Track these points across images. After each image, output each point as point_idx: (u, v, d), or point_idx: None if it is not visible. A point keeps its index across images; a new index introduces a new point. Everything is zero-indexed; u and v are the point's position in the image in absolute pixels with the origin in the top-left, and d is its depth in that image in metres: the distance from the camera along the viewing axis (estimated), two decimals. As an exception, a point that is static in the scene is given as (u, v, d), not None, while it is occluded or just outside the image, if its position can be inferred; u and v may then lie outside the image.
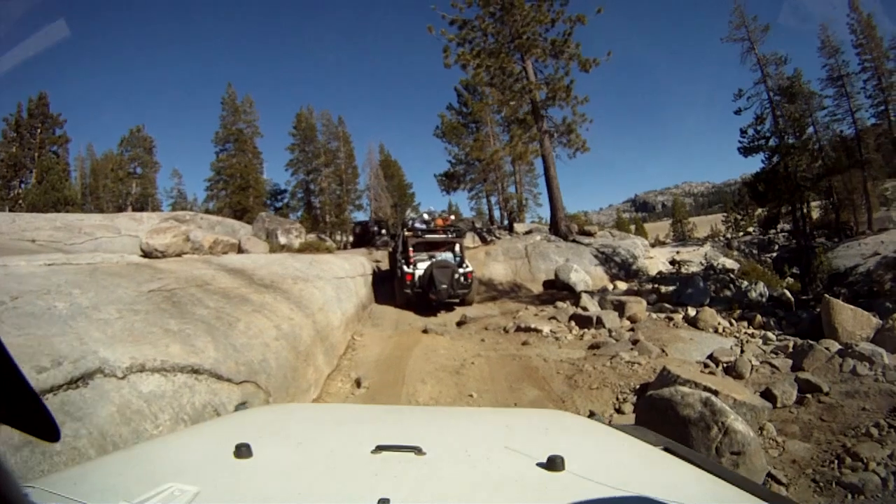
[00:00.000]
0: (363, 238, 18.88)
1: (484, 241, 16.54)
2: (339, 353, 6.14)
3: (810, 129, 16.76)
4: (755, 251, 23.82)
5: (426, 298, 9.40)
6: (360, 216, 32.98)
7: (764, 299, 9.78)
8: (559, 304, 9.32)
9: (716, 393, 3.86)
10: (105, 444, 2.62)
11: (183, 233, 8.04)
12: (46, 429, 0.57)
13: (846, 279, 13.12)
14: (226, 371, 3.64)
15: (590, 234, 16.92)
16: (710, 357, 5.80)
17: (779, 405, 4.23)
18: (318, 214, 31.59)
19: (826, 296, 7.67)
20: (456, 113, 27.01)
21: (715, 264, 16.68)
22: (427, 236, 10.44)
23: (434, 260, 9.76)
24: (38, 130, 25.65)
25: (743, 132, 12.94)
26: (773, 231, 17.50)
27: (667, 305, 8.81)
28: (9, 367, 0.50)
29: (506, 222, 22.88)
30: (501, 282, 12.78)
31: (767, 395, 4.36)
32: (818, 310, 9.31)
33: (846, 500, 2.84)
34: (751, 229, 33.70)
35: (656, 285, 11.70)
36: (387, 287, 10.88)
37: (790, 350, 5.70)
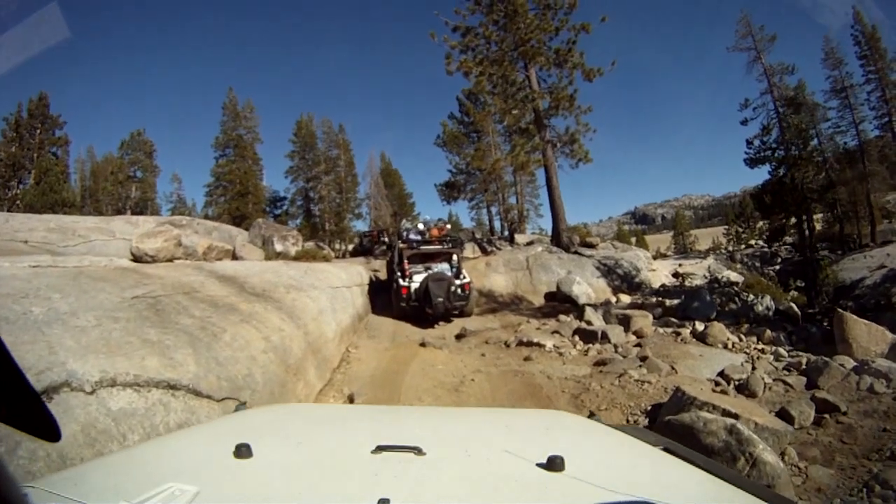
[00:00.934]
0: (369, 250, 18.61)
1: (484, 251, 16.30)
2: (332, 367, 5.84)
3: (814, 141, 16.66)
4: (758, 264, 23.55)
5: (423, 312, 9.21)
6: (360, 225, 32.89)
7: (770, 313, 9.57)
8: (562, 317, 9.04)
9: (736, 417, 3.63)
10: (63, 468, 2.34)
11: (175, 237, 7.76)
12: (46, 429, 0.58)
13: (852, 292, 12.94)
14: (206, 387, 3.35)
15: (592, 246, 16.68)
16: (721, 374, 5.56)
17: (796, 426, 4.01)
18: (318, 222, 31.41)
19: (839, 310, 7.46)
20: (457, 122, 27.02)
21: (719, 277, 16.43)
22: (423, 248, 10.23)
23: (430, 273, 9.56)
24: (38, 131, 25.58)
25: (749, 143, 12.81)
26: (775, 244, 17.27)
27: (673, 319, 8.55)
28: (9, 368, 0.51)
29: (506, 233, 22.67)
30: (502, 293, 12.51)
31: (784, 415, 4.15)
32: (825, 323, 9.13)
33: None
34: (752, 242, 33.59)
35: (660, 299, 11.44)
36: (384, 297, 10.65)
37: (803, 367, 5.47)
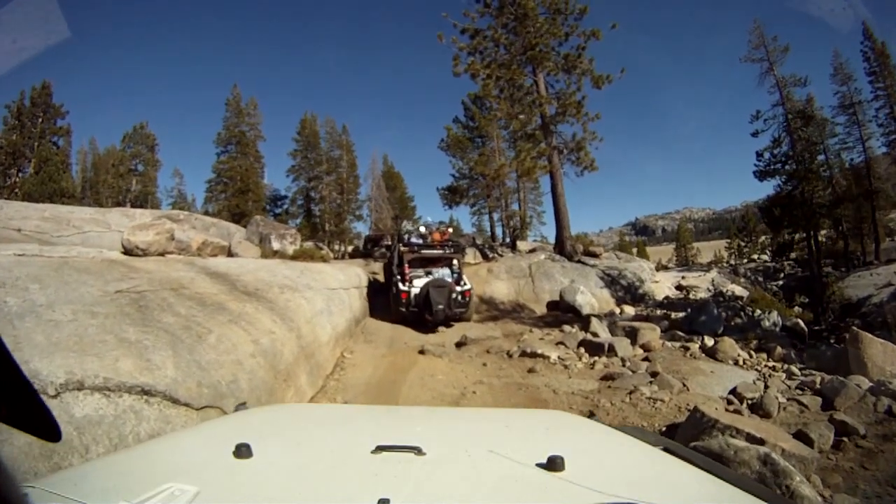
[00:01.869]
0: (370, 252, 18.31)
1: (486, 257, 16.03)
2: (325, 373, 5.53)
3: (821, 157, 16.50)
4: (761, 278, 23.29)
5: (422, 318, 8.97)
6: (360, 227, 32.58)
7: (777, 328, 9.33)
8: (566, 327, 8.75)
9: (762, 442, 3.38)
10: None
11: (167, 230, 7.49)
12: (47, 429, 0.58)
13: (859, 310, 12.73)
14: (184, 393, 3.05)
15: (595, 256, 16.43)
16: (733, 392, 5.32)
17: (815, 450, 3.78)
18: (318, 223, 31.09)
19: (854, 328, 7.31)
20: (462, 126, 26.82)
21: (724, 291, 16.17)
22: (424, 252, 9.98)
23: (431, 278, 9.35)
24: (40, 120, 25.32)
25: (759, 155, 12.59)
26: (782, 259, 17.04)
27: (680, 333, 8.29)
28: (9, 368, 0.51)
29: (507, 239, 22.41)
30: (503, 301, 12.23)
31: (802, 437, 3.92)
32: (832, 341, 8.89)
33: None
34: (755, 256, 33.35)
35: (666, 311, 11.20)
36: (382, 300, 10.39)
37: (817, 386, 5.28)
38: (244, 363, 3.79)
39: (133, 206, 25.80)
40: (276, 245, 10.82)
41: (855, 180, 20.91)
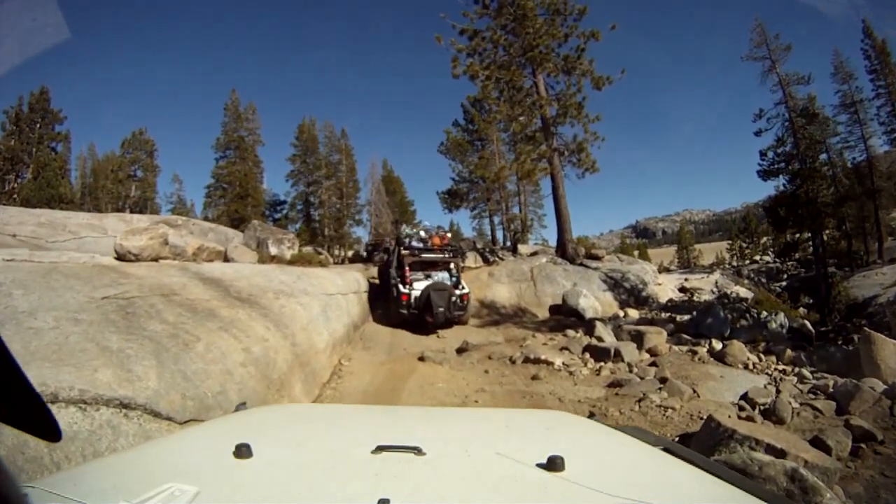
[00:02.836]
0: (369, 256, 18.17)
1: (486, 261, 15.84)
2: (322, 381, 5.34)
3: (823, 156, 16.35)
4: (764, 280, 23.10)
5: (422, 320, 9.10)
6: (360, 231, 32.38)
7: (784, 330, 9.11)
8: (569, 332, 8.56)
9: (783, 453, 3.22)
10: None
11: (161, 235, 7.32)
12: (47, 429, 0.58)
13: (865, 310, 12.51)
14: (166, 406, 2.86)
15: (597, 258, 16.22)
16: (745, 397, 5.13)
17: (833, 457, 3.63)
18: (317, 227, 30.92)
19: (866, 329, 7.11)
20: (462, 130, 26.68)
21: (728, 293, 15.96)
22: (424, 255, 10.15)
23: (431, 282, 9.52)
24: (38, 125, 25.24)
25: (763, 154, 12.42)
26: (787, 259, 16.85)
27: (686, 336, 8.09)
28: (10, 368, 0.50)
29: (508, 243, 22.21)
30: (505, 305, 12.04)
31: (819, 444, 3.76)
32: (840, 342, 8.69)
33: None
34: (757, 257, 33.16)
35: (670, 314, 10.99)
36: (380, 304, 10.36)
37: (830, 390, 5.12)
38: (234, 373, 3.61)
39: (132, 211, 25.65)
40: (273, 250, 10.64)
41: (857, 179, 20.75)
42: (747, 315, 10.20)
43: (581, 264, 14.84)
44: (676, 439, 3.95)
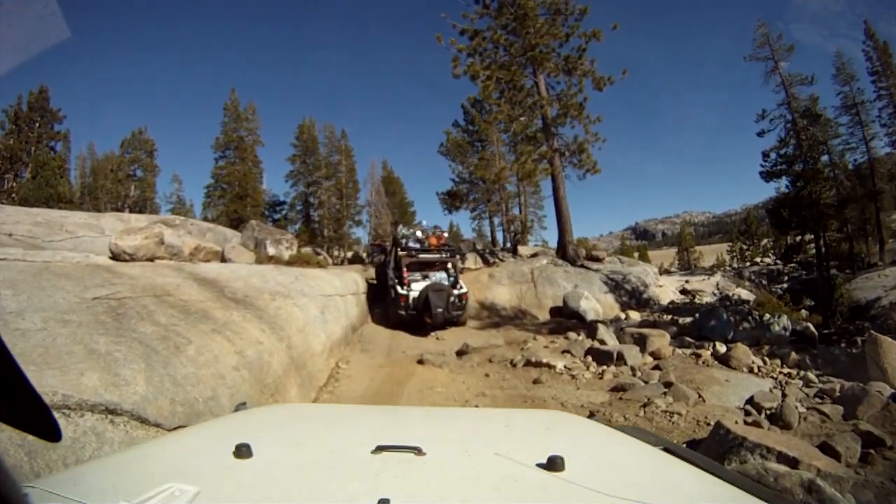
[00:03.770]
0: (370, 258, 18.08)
1: (486, 262, 15.72)
2: (318, 385, 5.22)
3: (825, 158, 16.27)
4: (765, 282, 23.00)
5: (421, 321, 9.05)
6: (360, 232, 32.27)
7: (787, 333, 9.01)
8: (571, 334, 8.46)
9: (795, 461, 3.13)
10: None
11: (156, 235, 7.19)
12: (47, 429, 0.58)
13: (868, 312, 12.40)
14: (154, 412, 2.74)
15: (598, 260, 16.12)
16: (751, 402, 5.05)
17: (843, 463, 3.56)
18: (317, 228, 30.81)
19: (872, 332, 7.07)
20: (462, 130, 26.59)
21: (730, 295, 15.86)
22: (422, 256, 10.10)
23: (430, 282, 9.48)
24: (37, 124, 25.12)
25: (765, 155, 12.32)
26: (790, 261, 16.75)
27: (689, 339, 8.00)
28: (10, 368, 0.50)
29: (508, 244, 22.11)
30: (505, 307, 11.92)
31: (828, 450, 3.67)
32: (843, 344, 8.59)
33: None
34: (757, 259, 33.07)
35: (672, 316, 10.88)
36: (378, 305, 10.31)
37: (837, 394, 5.06)
38: (226, 377, 3.49)
39: (132, 211, 25.55)
40: (271, 250, 10.52)
41: (859, 181, 20.67)
42: (750, 317, 10.09)
43: (582, 266, 14.74)
44: (684, 445, 3.84)
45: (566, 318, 10.79)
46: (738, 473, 1.09)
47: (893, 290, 13.29)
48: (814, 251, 13.35)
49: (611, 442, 1.30)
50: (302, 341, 5.14)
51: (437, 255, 10.30)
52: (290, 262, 9.97)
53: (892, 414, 4.29)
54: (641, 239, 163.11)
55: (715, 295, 16.75)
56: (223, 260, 9.26)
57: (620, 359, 6.51)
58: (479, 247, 19.65)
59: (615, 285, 13.76)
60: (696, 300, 15.39)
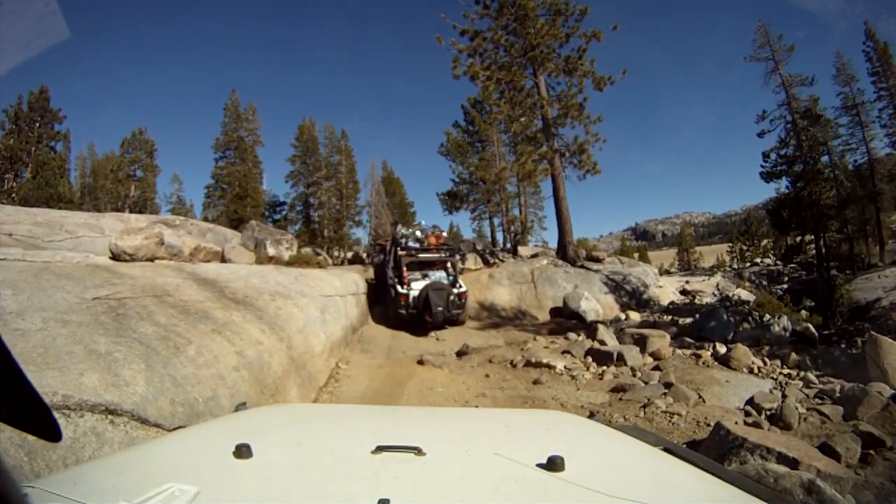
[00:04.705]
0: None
1: (486, 263, 15.72)
2: (318, 385, 5.22)
3: (825, 158, 16.28)
4: (765, 282, 22.99)
5: (421, 319, 9.11)
6: (360, 233, 32.25)
7: (787, 334, 9.01)
8: (571, 335, 8.45)
9: (795, 462, 3.13)
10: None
11: (156, 235, 7.19)
12: (47, 429, 0.58)
13: (868, 313, 12.39)
14: (155, 412, 2.74)
15: (598, 261, 16.11)
16: (750, 402, 5.04)
17: (843, 464, 3.56)
18: (317, 229, 30.80)
19: (872, 332, 7.08)
20: (462, 131, 26.58)
21: (730, 295, 15.85)
22: (421, 255, 10.19)
23: (430, 281, 9.55)
24: (37, 124, 25.12)
25: (766, 156, 12.33)
26: (790, 262, 16.76)
27: (689, 340, 8.00)
28: (10, 368, 0.51)
29: (509, 245, 22.10)
30: (505, 307, 11.92)
31: (828, 451, 3.67)
32: (843, 345, 8.59)
33: None
34: (757, 260, 33.06)
35: (672, 317, 10.88)
36: (378, 305, 10.36)
37: (837, 395, 5.06)
38: (226, 377, 3.49)
39: (132, 211, 25.54)
40: (271, 251, 10.52)
41: (859, 182, 20.66)
42: (750, 318, 10.08)
43: (582, 266, 14.74)
44: (683, 446, 3.85)
45: (566, 319, 10.78)
46: (739, 474, 1.10)
47: (893, 291, 13.27)
48: (814, 252, 13.34)
49: (611, 442, 1.30)
50: (302, 342, 5.14)
51: (437, 255, 10.37)
52: (290, 263, 9.97)
53: (892, 415, 4.29)
54: (641, 239, 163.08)
55: (715, 295, 16.75)
56: (223, 260, 9.25)
57: (620, 359, 6.50)
58: (479, 247, 19.63)
59: (615, 286, 13.76)
60: (696, 301, 15.39)
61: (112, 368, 2.92)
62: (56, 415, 2.60)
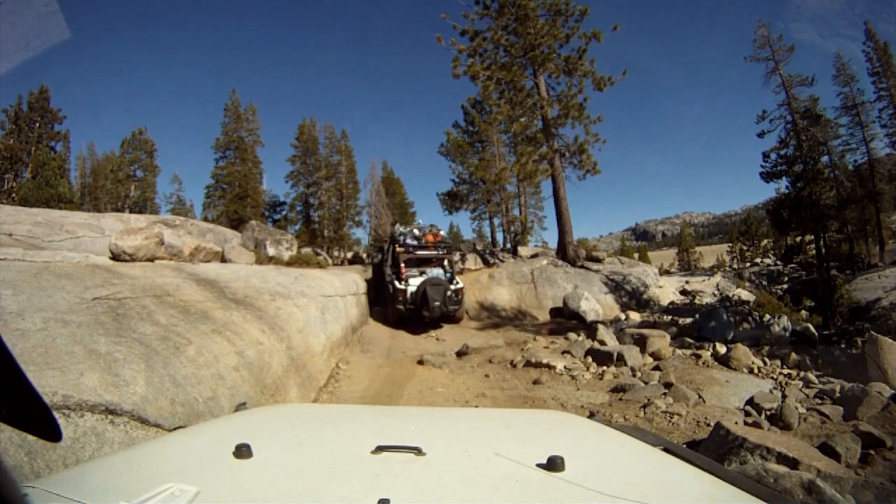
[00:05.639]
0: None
1: (487, 263, 15.73)
2: (318, 385, 5.22)
3: (825, 158, 16.27)
4: (765, 282, 22.98)
5: (419, 315, 9.25)
6: (360, 233, 32.25)
7: (787, 334, 9.02)
8: (571, 335, 8.45)
9: (795, 462, 3.12)
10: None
11: (156, 235, 7.19)
12: (47, 429, 0.59)
13: (868, 313, 12.39)
14: (154, 413, 2.74)
15: (598, 261, 16.12)
16: (750, 403, 5.05)
17: (843, 464, 3.57)
18: (317, 229, 30.80)
19: (872, 333, 7.07)
20: (462, 131, 26.55)
21: (730, 295, 15.85)
22: (418, 252, 10.33)
23: (427, 277, 9.66)
24: (37, 124, 25.13)
25: (766, 156, 12.32)
26: (790, 262, 16.76)
27: (689, 340, 8.00)
28: (10, 368, 0.50)
29: (508, 245, 22.09)
30: (505, 308, 11.92)
31: (828, 451, 3.68)
32: (843, 345, 8.59)
33: None
34: (757, 260, 33.05)
35: (672, 317, 10.89)
36: (378, 305, 10.44)
37: (837, 395, 5.05)
38: (226, 377, 3.49)
39: (132, 211, 25.56)
40: (271, 251, 10.53)
41: (859, 182, 20.67)
42: (750, 318, 10.10)
43: (582, 266, 14.74)
44: (683, 446, 3.85)
45: (566, 319, 10.79)
46: (739, 474, 1.10)
47: (893, 291, 13.27)
48: (814, 252, 13.32)
49: (611, 442, 1.29)
50: (302, 342, 5.14)
51: (434, 252, 10.51)
52: (290, 263, 9.97)
53: (892, 415, 4.30)
54: (641, 239, 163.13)
55: (715, 296, 16.76)
56: (223, 260, 9.26)
57: (620, 359, 6.50)
58: (479, 248, 19.64)
59: (615, 286, 13.76)
60: (696, 301, 15.40)
61: (112, 368, 2.92)
62: (56, 415, 2.60)
